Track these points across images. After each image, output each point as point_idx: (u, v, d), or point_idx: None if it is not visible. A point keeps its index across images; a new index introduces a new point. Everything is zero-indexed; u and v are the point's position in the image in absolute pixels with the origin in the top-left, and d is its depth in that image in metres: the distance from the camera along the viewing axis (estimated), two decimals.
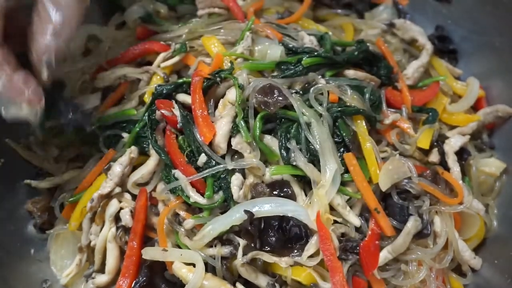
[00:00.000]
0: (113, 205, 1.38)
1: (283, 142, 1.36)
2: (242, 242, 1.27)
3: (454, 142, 1.54)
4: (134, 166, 1.44)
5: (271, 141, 1.38)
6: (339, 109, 1.40)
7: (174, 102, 1.41)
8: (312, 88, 1.41)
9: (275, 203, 1.28)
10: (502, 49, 1.65)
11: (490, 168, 1.60)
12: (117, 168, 1.38)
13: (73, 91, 1.59)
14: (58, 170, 1.58)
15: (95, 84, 1.59)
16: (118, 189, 1.39)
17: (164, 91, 1.44)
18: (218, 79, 1.42)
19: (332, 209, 1.33)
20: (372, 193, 1.34)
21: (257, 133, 1.34)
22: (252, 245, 1.28)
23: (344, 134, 1.37)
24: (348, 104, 1.43)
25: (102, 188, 1.38)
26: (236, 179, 1.32)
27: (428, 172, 1.45)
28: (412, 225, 1.34)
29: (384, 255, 1.34)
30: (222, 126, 1.35)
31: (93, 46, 1.73)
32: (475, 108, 1.70)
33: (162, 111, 1.38)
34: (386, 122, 1.48)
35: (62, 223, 1.51)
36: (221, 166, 1.33)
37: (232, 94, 1.38)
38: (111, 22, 1.80)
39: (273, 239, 1.27)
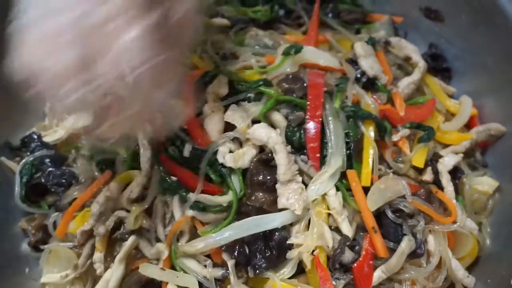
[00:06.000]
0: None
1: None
2: (230, 263, 1.27)
3: (447, 161, 1.54)
4: None
5: (277, 116, 1.41)
6: (353, 109, 1.44)
7: None
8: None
9: (259, 221, 1.28)
10: (494, 68, 1.66)
11: (483, 186, 1.60)
12: (95, 208, 1.38)
13: None
14: None
15: None
16: (102, 229, 1.37)
17: None
18: None
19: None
20: (370, 212, 1.34)
21: (263, 110, 1.39)
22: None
23: (351, 134, 1.40)
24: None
25: (85, 225, 1.39)
26: (223, 148, 1.35)
27: (422, 191, 1.45)
28: (406, 245, 1.34)
29: (378, 275, 1.34)
30: (217, 123, 1.38)
31: None
32: (468, 126, 1.71)
33: None
34: (395, 139, 1.49)
35: (56, 242, 1.49)
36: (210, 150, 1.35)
37: (220, 88, 1.43)
38: None
39: (263, 260, 1.27)
